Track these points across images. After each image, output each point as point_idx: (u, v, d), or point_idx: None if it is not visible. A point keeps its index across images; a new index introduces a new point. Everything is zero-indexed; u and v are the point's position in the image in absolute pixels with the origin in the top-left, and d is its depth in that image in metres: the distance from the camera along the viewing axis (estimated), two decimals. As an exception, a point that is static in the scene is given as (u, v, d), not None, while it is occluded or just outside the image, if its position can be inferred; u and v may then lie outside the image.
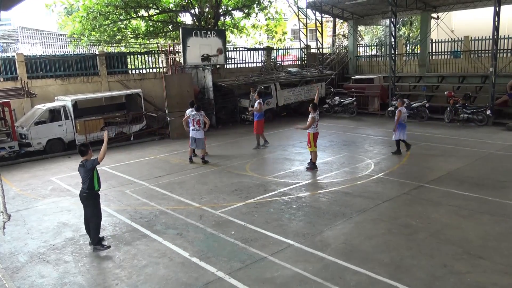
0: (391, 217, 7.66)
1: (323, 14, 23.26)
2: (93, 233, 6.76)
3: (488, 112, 16.13)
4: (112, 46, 23.59)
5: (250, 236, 6.96)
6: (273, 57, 24.34)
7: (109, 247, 6.78)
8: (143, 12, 22.35)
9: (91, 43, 21.91)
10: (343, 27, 31.47)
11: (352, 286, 5.43)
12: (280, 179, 10.31)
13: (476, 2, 19.80)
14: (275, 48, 26.03)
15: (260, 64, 22.84)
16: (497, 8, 16.13)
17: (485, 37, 19.25)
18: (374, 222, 7.46)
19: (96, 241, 6.75)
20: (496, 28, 16.38)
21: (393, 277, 5.56)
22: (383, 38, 31.74)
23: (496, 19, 16.32)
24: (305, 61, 24.37)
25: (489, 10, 17.48)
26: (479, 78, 18.97)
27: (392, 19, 19.12)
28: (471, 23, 22.31)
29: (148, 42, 24.08)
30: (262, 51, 24.22)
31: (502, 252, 6.15)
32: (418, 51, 22.79)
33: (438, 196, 8.65)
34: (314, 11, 23.25)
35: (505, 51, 18.79)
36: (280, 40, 28.18)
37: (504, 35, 18.52)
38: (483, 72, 18.39)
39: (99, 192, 6.84)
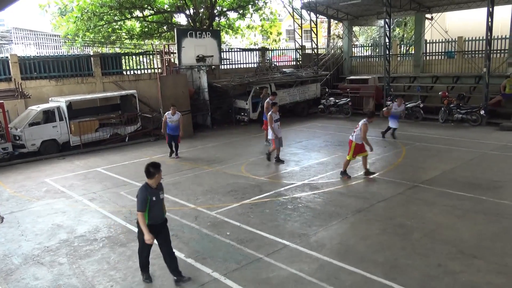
0: (386, 217, 7.69)
1: (318, 15, 23.31)
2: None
3: (482, 112, 16.22)
4: (106, 47, 23.50)
5: (245, 237, 6.96)
6: (268, 58, 24.36)
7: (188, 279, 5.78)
8: (137, 13, 22.31)
9: (86, 44, 21.83)
10: (338, 28, 31.56)
11: (347, 286, 5.44)
12: (275, 179, 10.32)
13: (469, 2, 19.92)
14: (270, 48, 26.06)
15: (255, 65, 22.85)
16: (491, 9, 16.24)
17: (479, 37, 19.37)
18: (369, 222, 7.49)
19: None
20: (489, 28, 16.49)
21: (388, 277, 5.59)
22: (377, 39, 31.85)
23: (490, 20, 16.44)
24: (300, 62, 24.42)
25: (483, 11, 17.60)
26: (473, 79, 19.08)
27: (387, 20, 19.20)
28: (464, 23, 22.45)
29: (142, 43, 24.03)
30: (257, 52, 24.23)
31: (496, 252, 6.19)
32: (413, 52, 22.90)
33: (432, 196, 8.69)
34: (309, 11, 23.30)
35: (498, 51, 18.93)
36: (275, 40, 28.22)
37: (498, 36, 18.65)
38: (477, 72, 18.50)
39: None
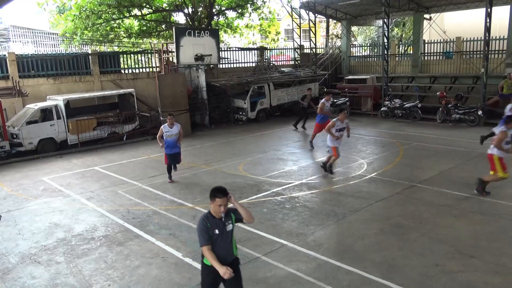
0: (384, 217, 7.70)
1: (316, 15, 23.31)
2: None
3: (480, 112, 16.26)
4: (105, 46, 23.46)
5: (243, 236, 6.95)
6: (266, 57, 24.35)
7: None
8: (136, 11, 22.27)
9: (84, 42, 21.78)
10: (337, 28, 31.57)
11: (345, 286, 5.45)
12: (273, 179, 10.31)
13: (468, 3, 19.95)
14: (268, 48, 26.05)
15: (254, 64, 22.84)
16: (489, 9, 16.28)
17: (477, 38, 19.41)
18: (367, 222, 7.50)
19: None
20: (487, 29, 16.53)
21: (385, 276, 5.59)
22: (376, 39, 31.88)
23: (488, 20, 16.48)
24: (299, 61, 24.42)
25: (481, 12, 17.60)
26: (471, 79, 19.12)
27: (385, 20, 19.21)
28: (463, 24, 22.47)
29: (141, 41, 23.98)
30: (256, 51, 24.22)
31: (493, 252, 6.20)
32: (411, 52, 22.93)
33: (430, 195, 8.70)
34: (307, 11, 23.31)
35: (496, 52, 18.97)
36: (274, 40, 28.19)
37: (496, 36, 18.68)
38: (475, 72, 18.55)
39: None
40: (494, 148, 8.26)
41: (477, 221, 7.37)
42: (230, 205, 4.20)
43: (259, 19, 25.63)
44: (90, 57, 17.45)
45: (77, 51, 21.33)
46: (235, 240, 4.37)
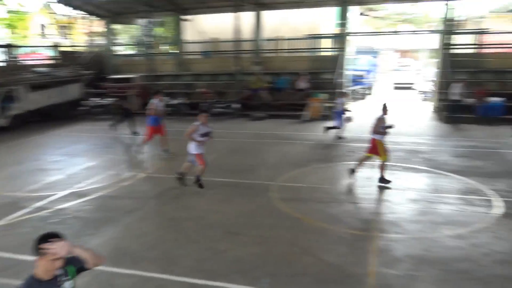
0: (159, 213, 7.84)
1: (75, 10, 21.59)
2: None
3: (236, 105, 18.34)
4: None
5: (1, 266, 5.92)
6: (14, 55, 21.22)
7: None
8: None
9: None
10: (99, 25, 30.05)
11: (124, 290, 5.30)
12: (34, 193, 9.11)
13: (220, 7, 21.99)
14: (18, 45, 22.79)
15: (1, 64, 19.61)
16: (237, 14, 18.44)
17: (230, 39, 21.64)
18: (142, 220, 7.48)
19: None
20: (237, 31, 18.70)
21: (165, 270, 5.70)
22: (140, 38, 31.84)
23: (237, 24, 18.64)
24: (58, 61, 22.23)
25: (232, 16, 19.61)
26: (228, 76, 21.26)
27: (147, 19, 19.39)
28: (218, 26, 24.60)
29: None
30: (2, 49, 20.84)
31: (255, 226, 7.11)
32: (174, 51, 23.87)
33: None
34: (64, 6, 21.32)
35: (246, 51, 21.53)
36: (25, 36, 24.88)
37: (245, 38, 21.12)
38: (231, 70, 20.67)
39: None
40: (375, 134, 9.06)
41: (240, 202, 8.28)
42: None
43: (8, 12, 22.11)
44: None
45: None
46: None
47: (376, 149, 9.03)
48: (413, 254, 6.03)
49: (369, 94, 27.17)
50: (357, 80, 24.57)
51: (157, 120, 11.94)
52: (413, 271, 5.59)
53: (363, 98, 25.34)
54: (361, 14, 35.79)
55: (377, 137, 9.00)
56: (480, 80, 17.72)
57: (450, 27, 17.52)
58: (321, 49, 22.21)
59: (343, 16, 18.87)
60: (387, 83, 35.32)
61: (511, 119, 15.96)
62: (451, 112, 16.43)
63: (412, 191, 8.67)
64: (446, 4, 17.82)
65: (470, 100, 16.76)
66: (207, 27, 24.87)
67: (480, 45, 20.14)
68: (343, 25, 18.92)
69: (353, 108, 20.85)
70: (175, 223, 7.31)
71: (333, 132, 14.12)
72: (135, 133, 14.67)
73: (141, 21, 25.19)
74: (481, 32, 21.90)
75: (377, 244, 6.37)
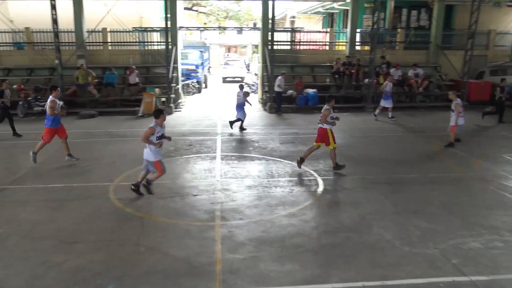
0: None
1: None
2: None
3: (60, 102, 16.62)
4: None
5: None
6: None
7: None
8: None
9: None
10: None
11: None
12: None
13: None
14: None
15: None
16: (53, 2, 16.61)
17: (46, 29, 19.40)
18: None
19: None
20: (55, 21, 16.90)
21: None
22: None
23: (54, 13, 16.83)
24: None
25: (47, 3, 17.54)
26: (47, 70, 19.10)
27: None
28: (31, 14, 21.75)
29: None
30: None
31: (94, 231, 6.65)
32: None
33: (25, 195, 8.23)
34: None
35: (67, 44, 19.64)
36: None
37: (65, 29, 19.23)
38: (50, 64, 18.61)
39: None
40: (323, 123, 9.45)
41: (75, 207, 7.62)
42: None
43: None
44: None
45: None
46: None
47: (325, 138, 9.55)
48: (254, 236, 6.51)
49: (203, 88, 27.88)
50: (189, 74, 24.93)
51: (57, 120, 10.32)
52: (256, 252, 6.04)
53: (198, 92, 25.86)
54: (186, 8, 36.39)
55: (326, 126, 9.49)
56: (297, 74, 19.90)
57: (269, 25, 19.08)
58: (152, 43, 21.82)
59: (171, 10, 18.80)
60: (217, 77, 36.81)
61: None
62: (275, 103, 18.08)
63: (249, 179, 9.30)
64: (265, 4, 19.38)
65: (291, 92, 18.75)
66: (16, 15, 21.74)
67: (295, 42, 22.63)
68: (172, 19, 18.86)
69: (189, 102, 21.21)
70: (-4, 241, 6.32)
71: (237, 125, 14.34)
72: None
73: None
74: (295, 30, 24.64)
75: (221, 232, 6.66)
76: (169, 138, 8.12)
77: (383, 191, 8.59)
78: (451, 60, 20.57)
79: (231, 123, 14.37)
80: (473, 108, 17.55)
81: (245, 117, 14.42)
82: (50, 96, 10.25)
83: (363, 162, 10.46)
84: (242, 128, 14.34)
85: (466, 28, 19.54)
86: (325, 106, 9.59)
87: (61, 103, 10.63)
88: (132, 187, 8.11)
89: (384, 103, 16.19)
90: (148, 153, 7.77)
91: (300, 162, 9.87)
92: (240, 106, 14.36)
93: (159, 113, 7.82)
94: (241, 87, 15.47)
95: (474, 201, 8.11)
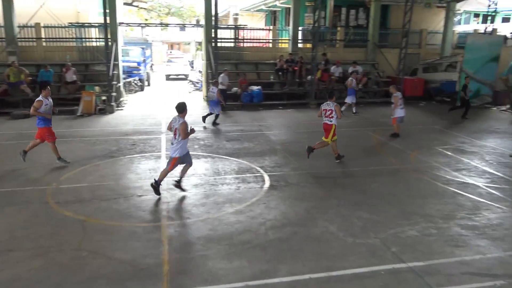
0: None
1: None
2: None
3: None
4: None
5: None
6: None
7: None
8: None
9: None
10: None
11: None
12: None
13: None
14: None
15: None
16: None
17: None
18: None
19: None
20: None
21: None
22: None
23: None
24: None
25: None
26: (-26, 68, 17.75)
27: None
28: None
29: None
30: None
31: (31, 238, 6.28)
32: None
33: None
34: None
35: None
36: None
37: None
38: (-23, 61, 17.30)
39: None
40: (330, 119, 10.07)
41: (10, 213, 7.17)
42: None
43: None
44: None
45: None
46: None
47: (327, 131, 10.14)
48: (202, 235, 6.46)
49: (146, 85, 27.18)
50: (131, 72, 24.19)
51: (46, 121, 9.80)
52: (204, 251, 6.00)
53: (141, 90, 25.16)
54: (126, 3, 35.20)
55: (334, 122, 10.08)
56: (241, 71, 19.98)
57: (212, 22, 18.98)
58: (90, 39, 20.91)
59: (110, 5, 18.11)
60: (160, 75, 36.04)
61: (269, 104, 18.72)
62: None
63: (195, 177, 9.21)
64: (207, 0, 19.22)
65: (235, 89, 18.77)
66: None
67: (238, 40, 22.67)
68: (111, 14, 18.19)
69: (131, 101, 20.59)
70: None
71: (210, 118, 14.75)
72: None
73: None
74: (238, 28, 24.67)
75: (168, 232, 6.55)
76: (192, 130, 7.88)
77: (326, 185, 8.87)
78: (387, 58, 21.64)
79: (204, 117, 14.88)
80: (408, 104, 18.52)
81: (219, 112, 14.95)
82: (40, 96, 9.70)
83: (307, 157, 10.72)
84: (215, 123, 14.78)
85: (401, 27, 20.66)
86: (333, 103, 10.15)
87: (49, 103, 9.81)
88: (175, 183, 8.18)
89: (349, 99, 16.92)
90: (176, 149, 7.82)
91: (310, 151, 10.34)
92: (215, 103, 14.71)
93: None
94: (216, 83, 15.75)
95: (410, 191, 8.59)
